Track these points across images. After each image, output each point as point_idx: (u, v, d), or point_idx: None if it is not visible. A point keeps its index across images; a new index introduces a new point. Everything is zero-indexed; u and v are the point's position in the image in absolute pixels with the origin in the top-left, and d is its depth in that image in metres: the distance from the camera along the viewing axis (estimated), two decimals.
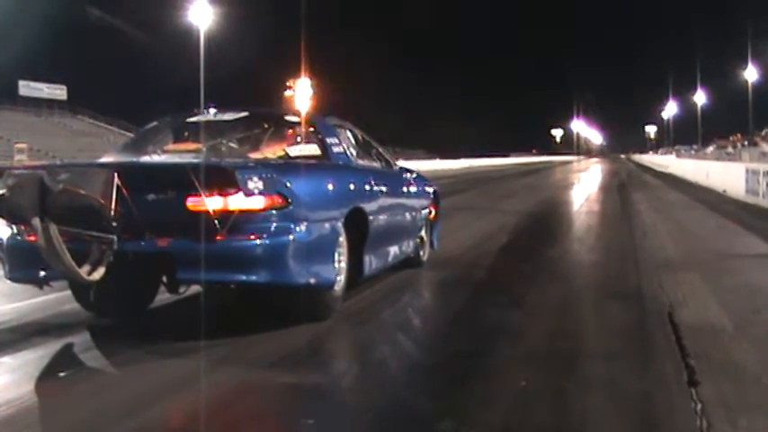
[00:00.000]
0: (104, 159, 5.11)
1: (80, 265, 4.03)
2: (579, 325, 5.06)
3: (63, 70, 53.25)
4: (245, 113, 5.85)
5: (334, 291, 4.92)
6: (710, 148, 57.12)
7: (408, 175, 7.13)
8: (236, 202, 4.17)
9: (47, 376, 3.88)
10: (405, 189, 6.78)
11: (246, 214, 4.21)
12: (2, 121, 45.16)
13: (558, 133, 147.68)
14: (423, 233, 7.17)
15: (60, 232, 3.93)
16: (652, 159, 61.46)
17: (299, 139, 5.63)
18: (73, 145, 42.90)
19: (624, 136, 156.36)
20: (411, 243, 6.78)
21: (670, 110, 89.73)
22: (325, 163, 5.40)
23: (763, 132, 43.82)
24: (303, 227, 4.48)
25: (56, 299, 5.35)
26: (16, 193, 4.00)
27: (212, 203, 4.14)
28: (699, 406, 3.30)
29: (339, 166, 5.54)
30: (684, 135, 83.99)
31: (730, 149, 45.22)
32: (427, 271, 7.13)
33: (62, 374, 3.92)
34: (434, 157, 47.18)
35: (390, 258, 6.16)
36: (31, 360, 4.14)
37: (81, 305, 4.93)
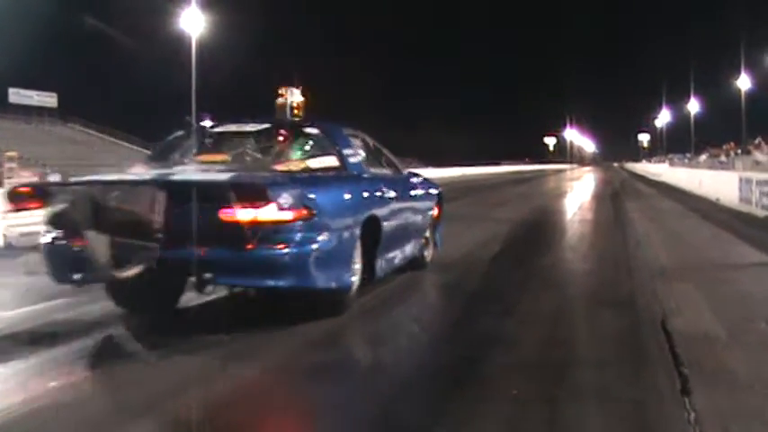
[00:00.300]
0: (135, 170, 5.71)
1: (120, 269, 4.57)
2: (572, 333, 5.06)
3: (54, 77, 53.10)
4: (265, 125, 6.26)
5: (351, 291, 5.43)
6: (703, 157, 57.19)
7: (415, 179, 7.61)
8: (267, 214, 4.66)
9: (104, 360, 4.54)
10: (412, 193, 7.22)
11: (276, 225, 4.71)
12: None
13: (551, 141, 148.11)
14: (427, 233, 7.57)
15: (109, 242, 4.53)
16: (645, 168, 61.80)
17: (317, 149, 6.02)
18: (63, 153, 42.75)
19: (617, 144, 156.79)
20: (417, 244, 7.19)
21: (663, 118, 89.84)
22: (344, 174, 5.84)
23: (756, 141, 44.06)
24: (325, 236, 4.98)
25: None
26: (72, 208, 4.63)
27: (245, 215, 4.61)
28: (692, 415, 3.30)
29: (356, 176, 6.00)
30: (677, 143, 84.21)
31: (723, 158, 45.39)
32: (423, 278, 7.15)
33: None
34: (427, 165, 47.34)
35: (398, 260, 6.56)
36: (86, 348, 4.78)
37: (115, 303, 5.42)
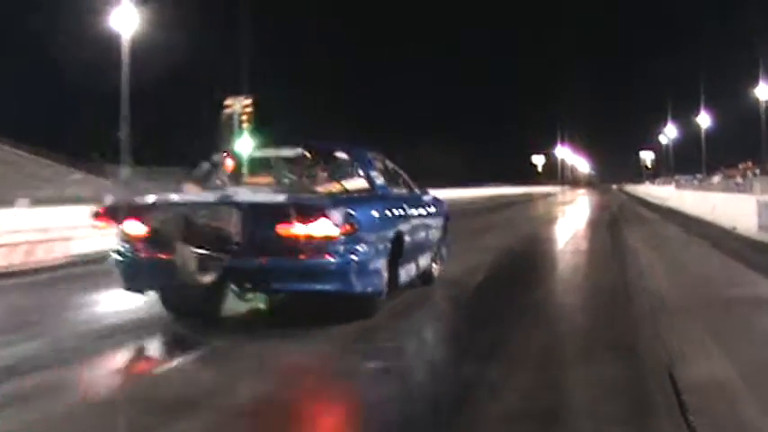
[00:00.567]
0: (192, 190, 7.69)
1: (202, 276, 6.37)
2: (564, 380, 5.17)
3: None
4: (299, 150, 8.24)
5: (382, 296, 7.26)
6: (717, 178, 57.80)
7: (427, 197, 9.72)
8: (320, 230, 6.46)
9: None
10: (426, 211, 9.29)
11: (325, 239, 6.50)
12: None
13: (539, 161, 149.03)
14: (436, 248, 9.53)
15: (195, 253, 6.30)
16: (648, 191, 62.32)
17: (346, 172, 8.12)
18: None
19: (616, 164, 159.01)
20: (429, 258, 9.17)
21: (669, 133, 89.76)
22: (374, 195, 7.90)
23: None
24: (364, 248, 6.81)
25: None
26: (166, 225, 6.49)
27: (301, 231, 6.44)
28: None
29: (385, 197, 8.05)
30: (686, 163, 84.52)
31: (739, 179, 46.28)
32: (404, 314, 7.27)
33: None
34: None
35: (414, 272, 8.45)
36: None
37: (165, 307, 7.17)
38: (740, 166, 67.34)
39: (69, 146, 47.21)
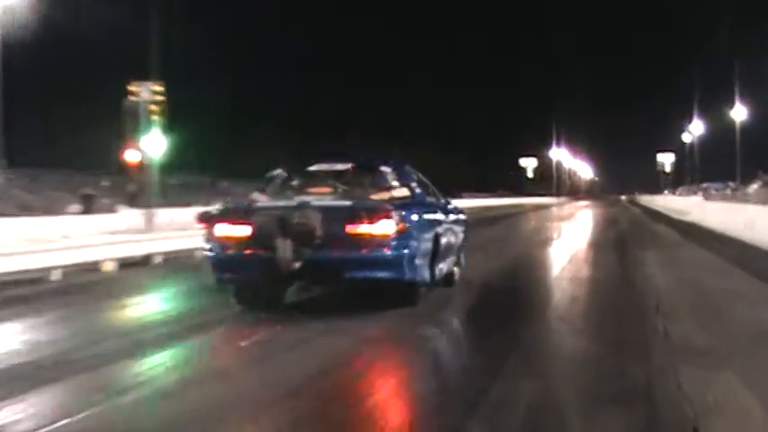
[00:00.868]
0: (258, 200, 11.12)
1: (294, 263, 9.96)
2: None
3: None
4: (351, 164, 11.73)
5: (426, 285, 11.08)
6: (755, 186, 57.49)
7: (451, 206, 13.51)
8: (381, 228, 10.01)
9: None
10: (452, 218, 13.18)
11: (384, 236, 10.02)
12: None
13: (529, 164, 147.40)
14: (458, 253, 13.43)
15: (290, 245, 9.88)
16: (666, 203, 60.73)
17: (389, 182, 11.47)
18: None
19: (626, 169, 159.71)
20: (453, 261, 12.94)
21: (695, 130, 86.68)
22: (417, 202, 11.41)
23: None
24: (413, 244, 10.34)
25: None
26: (266, 226, 10.04)
27: (366, 229, 10.00)
28: None
29: (425, 203, 11.88)
30: (714, 167, 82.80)
31: None
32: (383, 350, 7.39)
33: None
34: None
35: (444, 271, 12.12)
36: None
37: (236, 300, 10.89)
38: None
39: None
